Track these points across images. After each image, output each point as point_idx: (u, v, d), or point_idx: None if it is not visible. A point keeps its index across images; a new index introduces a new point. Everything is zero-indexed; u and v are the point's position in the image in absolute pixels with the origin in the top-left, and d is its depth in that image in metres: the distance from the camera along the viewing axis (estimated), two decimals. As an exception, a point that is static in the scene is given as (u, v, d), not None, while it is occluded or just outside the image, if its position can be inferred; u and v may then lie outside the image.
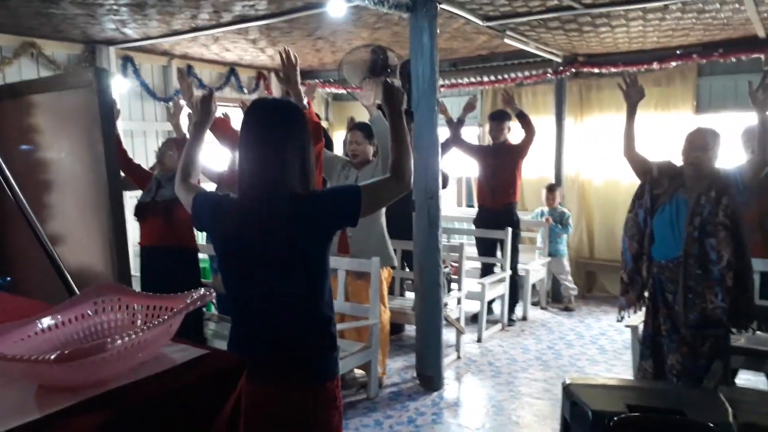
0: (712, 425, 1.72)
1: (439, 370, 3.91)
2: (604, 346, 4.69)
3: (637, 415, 1.77)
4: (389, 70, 4.09)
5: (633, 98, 3.26)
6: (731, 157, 3.57)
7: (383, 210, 3.93)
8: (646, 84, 5.67)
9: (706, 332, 2.92)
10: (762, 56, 5.02)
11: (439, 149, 3.89)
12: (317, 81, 6.88)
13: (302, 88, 2.99)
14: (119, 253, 2.36)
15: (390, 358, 4.32)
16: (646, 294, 3.15)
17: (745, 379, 3.76)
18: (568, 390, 1.97)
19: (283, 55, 2.89)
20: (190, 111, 3.49)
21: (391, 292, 4.62)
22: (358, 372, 3.97)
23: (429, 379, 3.90)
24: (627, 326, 3.58)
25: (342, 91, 7.16)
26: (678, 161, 3.10)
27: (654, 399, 1.96)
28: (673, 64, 5.47)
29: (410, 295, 4.88)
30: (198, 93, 2.90)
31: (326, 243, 1.73)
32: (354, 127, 4.03)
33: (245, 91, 6.64)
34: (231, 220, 1.73)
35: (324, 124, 7.84)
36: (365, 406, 3.66)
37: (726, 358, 2.99)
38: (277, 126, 1.73)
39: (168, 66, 5.85)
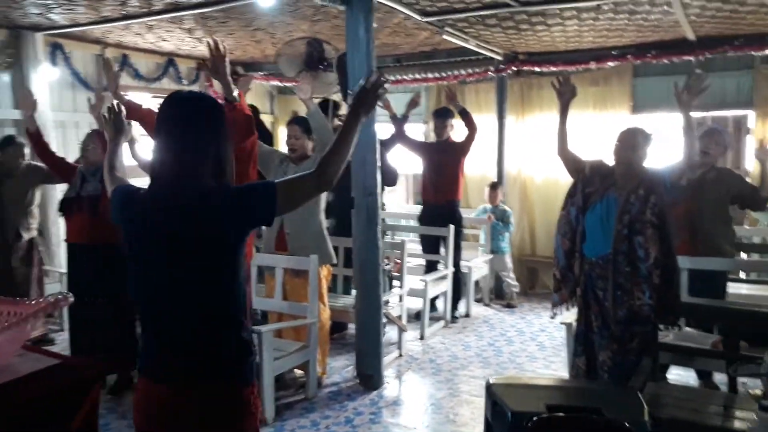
0: (627, 424, 1.74)
1: (379, 369, 3.88)
2: (543, 343, 4.76)
3: (554, 415, 1.77)
4: (325, 63, 4.03)
5: (565, 96, 3.30)
6: (664, 156, 3.67)
7: (321, 207, 3.87)
8: (583, 84, 5.87)
9: (635, 329, 2.98)
10: (692, 58, 5.19)
11: (378, 145, 3.83)
12: (251, 74, 6.73)
13: (233, 80, 2.89)
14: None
15: (332, 357, 4.27)
16: (578, 291, 3.19)
17: (676, 374, 3.87)
18: (490, 390, 1.97)
19: (212, 45, 2.79)
20: (116, 102, 3.33)
21: (333, 290, 4.57)
22: (298, 372, 3.90)
23: (369, 378, 3.86)
24: (561, 323, 3.64)
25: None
26: (611, 161, 3.15)
27: (574, 398, 1.97)
28: (610, 64, 5.61)
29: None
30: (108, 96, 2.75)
31: (237, 241, 1.65)
32: (291, 121, 3.94)
33: (184, 82, 6.44)
34: (138, 214, 1.65)
35: (268, 118, 7.70)
36: (303, 407, 3.60)
37: (654, 355, 3.05)
38: (189, 119, 1.65)
39: (101, 54, 5.60)
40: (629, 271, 2.96)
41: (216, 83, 6.63)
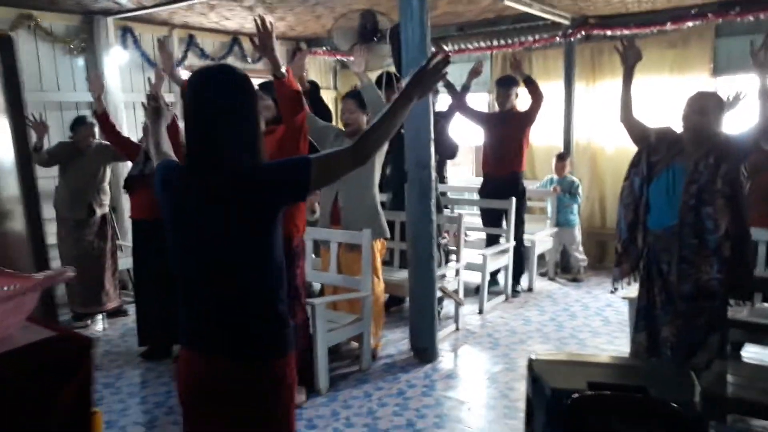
0: (674, 404, 1.63)
1: (434, 342, 3.86)
2: (608, 318, 4.58)
3: (595, 393, 1.69)
4: (379, 35, 3.97)
5: (630, 61, 3.10)
6: (745, 121, 3.38)
7: (375, 181, 3.85)
8: (660, 46, 5.51)
9: (701, 304, 2.80)
10: (782, 14, 4.74)
11: (432, 117, 3.75)
12: (306, 49, 6.73)
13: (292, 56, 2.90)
14: (31, 223, 2.30)
15: (388, 330, 4.30)
16: (641, 265, 3.03)
17: (753, 352, 3.63)
18: (531, 366, 1.90)
19: (258, 23, 2.79)
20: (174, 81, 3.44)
21: (389, 263, 4.57)
22: (354, 344, 3.95)
23: (423, 351, 3.85)
24: (624, 298, 3.48)
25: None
26: (680, 127, 2.95)
27: (619, 376, 1.87)
28: (688, 24, 5.20)
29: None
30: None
31: (271, 217, 1.65)
32: (346, 95, 3.92)
33: (249, 60, 6.55)
34: (176, 189, 1.70)
35: (331, 93, 7.73)
36: (357, 378, 3.64)
37: (723, 331, 2.86)
38: (216, 95, 1.65)
39: (169, 36, 5.79)
40: (696, 243, 2.78)
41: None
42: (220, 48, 6.34)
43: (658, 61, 5.48)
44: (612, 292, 3.23)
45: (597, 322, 4.52)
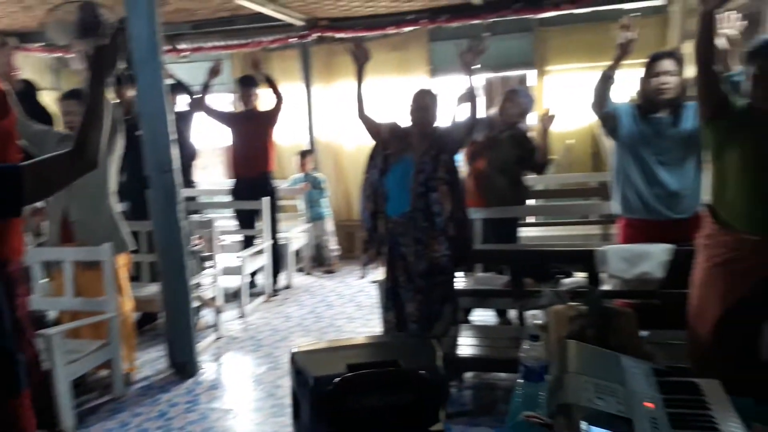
0: (421, 372, 1.83)
1: (193, 355, 3.69)
2: (361, 303, 4.89)
3: (354, 373, 1.80)
4: (101, 30, 3.62)
5: (360, 61, 3.31)
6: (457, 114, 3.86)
7: (111, 188, 3.52)
8: (384, 49, 6.01)
9: (436, 279, 3.15)
10: (480, 22, 5.55)
11: (170, 118, 3.55)
12: (15, 44, 5.89)
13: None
14: None
15: (143, 351, 3.99)
16: (385, 249, 3.29)
17: (479, 316, 4.19)
18: (293, 359, 1.95)
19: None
20: None
21: (137, 278, 4.23)
22: (105, 371, 3.57)
23: (183, 366, 3.66)
24: (373, 282, 3.75)
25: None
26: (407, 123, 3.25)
27: (374, 354, 2.03)
28: (406, 29, 5.80)
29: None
30: None
31: None
32: (64, 95, 3.50)
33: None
34: None
35: (54, 94, 6.83)
36: (110, 408, 3.31)
37: (454, 301, 3.26)
38: None
39: None
40: (427, 226, 3.10)
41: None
42: None
43: (382, 63, 5.98)
44: (362, 277, 3.46)
45: (351, 308, 4.79)
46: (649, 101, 2.98)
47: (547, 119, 3.86)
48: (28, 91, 4.24)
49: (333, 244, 6.01)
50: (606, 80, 3.00)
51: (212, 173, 7.64)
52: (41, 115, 4.16)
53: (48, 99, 5.93)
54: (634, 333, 2.16)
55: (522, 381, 1.68)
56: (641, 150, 2.96)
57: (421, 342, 2.26)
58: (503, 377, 3.36)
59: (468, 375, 3.41)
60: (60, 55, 6.53)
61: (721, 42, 2.97)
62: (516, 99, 3.91)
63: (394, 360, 1.89)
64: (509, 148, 3.88)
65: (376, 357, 1.98)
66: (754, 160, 2.18)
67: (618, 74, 3.00)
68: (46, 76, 6.84)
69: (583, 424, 1.11)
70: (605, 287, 2.99)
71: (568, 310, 2.23)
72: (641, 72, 2.99)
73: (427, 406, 1.85)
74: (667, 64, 2.90)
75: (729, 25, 2.91)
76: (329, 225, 6.01)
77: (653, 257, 2.94)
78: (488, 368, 3.25)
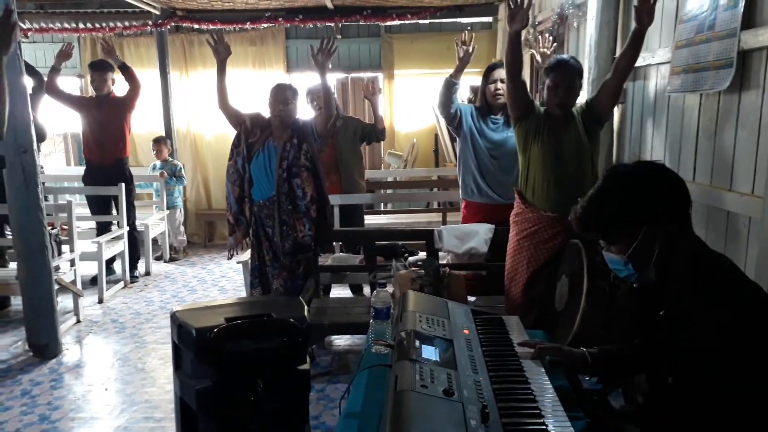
0: (290, 319, 2.19)
1: (56, 337, 3.70)
2: (224, 287, 5.10)
3: (232, 323, 2.12)
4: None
5: (221, 54, 3.54)
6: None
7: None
8: (243, 43, 6.24)
9: (300, 257, 3.52)
10: (332, 24, 5.99)
11: (29, 98, 3.54)
12: None
13: None
14: None
15: (-6, 336, 3.89)
16: (251, 232, 3.59)
17: (336, 293, 4.61)
18: (174, 316, 2.21)
19: None
20: None
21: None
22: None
23: (44, 347, 3.66)
24: (238, 262, 4.02)
25: None
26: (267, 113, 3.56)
27: (249, 310, 2.35)
28: (264, 25, 6.07)
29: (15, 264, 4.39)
30: None
31: None
32: None
33: None
34: None
35: None
36: (-35, 395, 3.25)
37: (316, 276, 3.65)
38: None
39: None
40: (291, 209, 3.46)
41: None
42: None
43: (241, 57, 6.21)
44: (229, 258, 3.72)
45: (215, 292, 4.99)
46: (486, 103, 3.57)
47: (370, 93, 4.36)
48: None
49: (182, 233, 6.10)
50: (451, 86, 3.51)
51: (55, 159, 7.31)
52: None
53: None
54: (461, 288, 2.73)
55: (372, 321, 2.13)
56: (477, 144, 3.54)
57: (291, 300, 2.62)
58: (359, 342, 3.82)
59: (327, 340, 3.83)
60: None
61: (537, 58, 3.71)
62: (316, 95, 3.99)
63: (267, 313, 2.23)
64: (347, 132, 4.24)
65: (251, 312, 2.31)
66: (550, 153, 2.81)
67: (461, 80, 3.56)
68: None
69: (416, 343, 1.55)
70: (442, 262, 3.55)
71: (410, 273, 2.76)
72: (477, 79, 3.56)
73: (297, 349, 2.22)
74: (502, 73, 3.25)
75: (543, 44, 3.64)
76: (179, 214, 6.07)
77: (479, 235, 3.56)
78: (345, 331, 3.69)
